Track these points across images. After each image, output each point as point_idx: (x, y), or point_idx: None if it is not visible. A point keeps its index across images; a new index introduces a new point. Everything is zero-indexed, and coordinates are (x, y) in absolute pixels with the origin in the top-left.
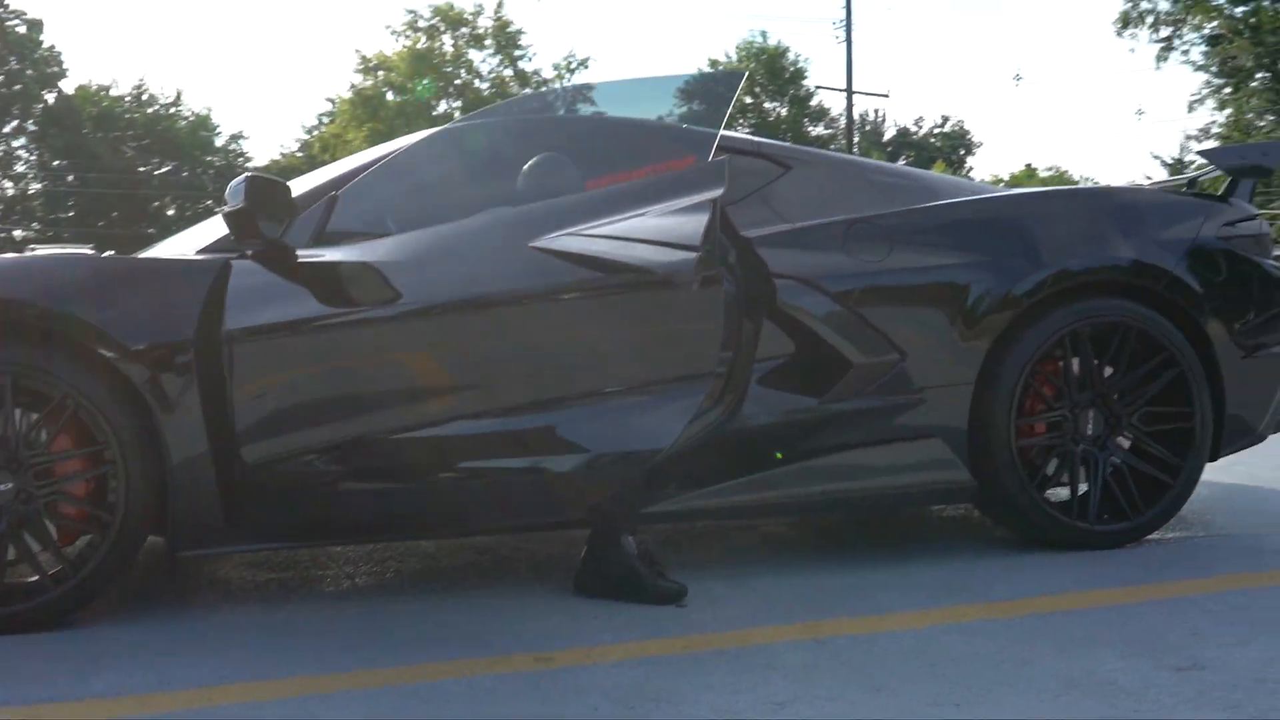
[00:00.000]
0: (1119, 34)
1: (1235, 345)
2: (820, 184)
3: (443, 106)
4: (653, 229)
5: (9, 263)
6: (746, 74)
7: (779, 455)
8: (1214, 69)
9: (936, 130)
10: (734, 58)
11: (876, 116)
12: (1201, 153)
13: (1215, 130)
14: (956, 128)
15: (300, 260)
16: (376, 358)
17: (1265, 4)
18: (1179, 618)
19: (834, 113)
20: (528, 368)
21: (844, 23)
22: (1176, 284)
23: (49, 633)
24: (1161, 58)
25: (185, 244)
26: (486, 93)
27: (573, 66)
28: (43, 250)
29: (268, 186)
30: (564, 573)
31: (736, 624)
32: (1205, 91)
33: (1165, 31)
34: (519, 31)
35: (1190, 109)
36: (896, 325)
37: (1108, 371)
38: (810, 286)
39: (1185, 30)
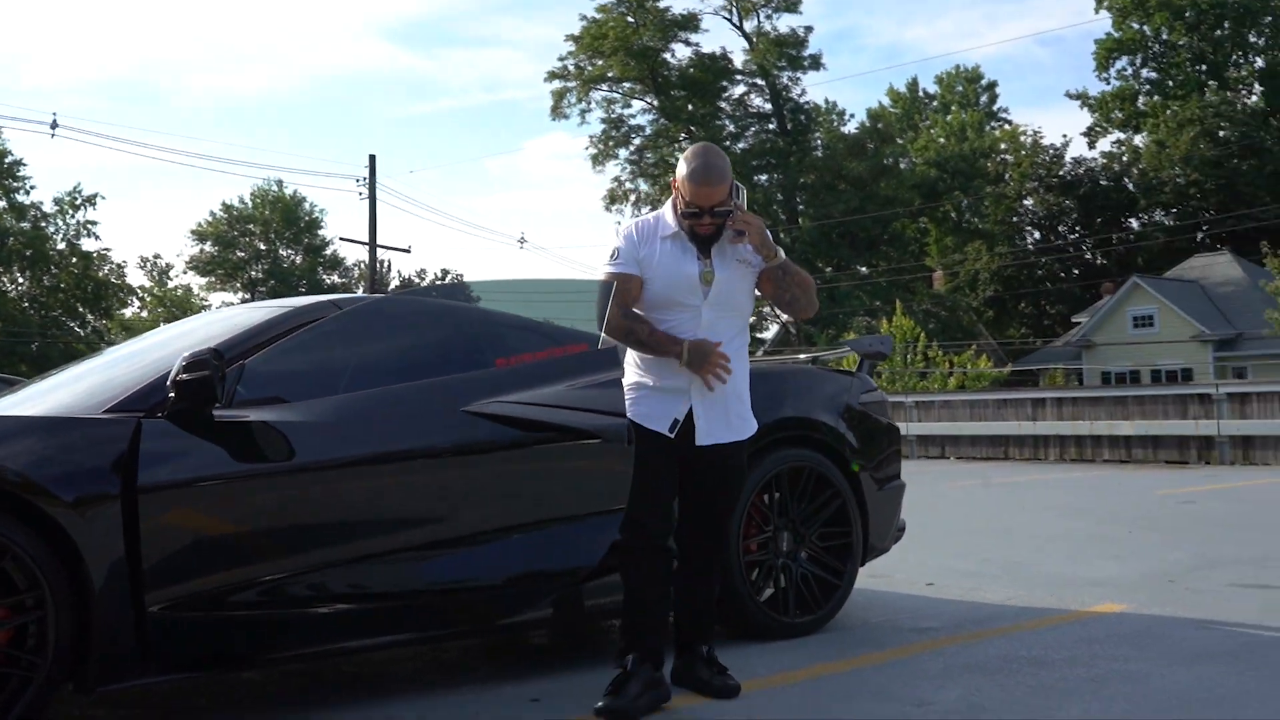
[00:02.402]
0: (607, 209)
1: (872, 480)
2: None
3: None
4: (583, 399)
5: None
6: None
7: None
8: None
9: (438, 282)
10: (249, 203)
11: (382, 268)
12: (844, 342)
13: None
14: (456, 280)
15: (219, 420)
16: (312, 504)
17: None
18: (863, 680)
19: (348, 262)
20: (468, 505)
21: (367, 180)
22: (837, 436)
23: None
24: None
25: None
26: None
27: (78, 201)
28: None
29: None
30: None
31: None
32: None
33: (645, 209)
34: (19, 162)
35: None
36: None
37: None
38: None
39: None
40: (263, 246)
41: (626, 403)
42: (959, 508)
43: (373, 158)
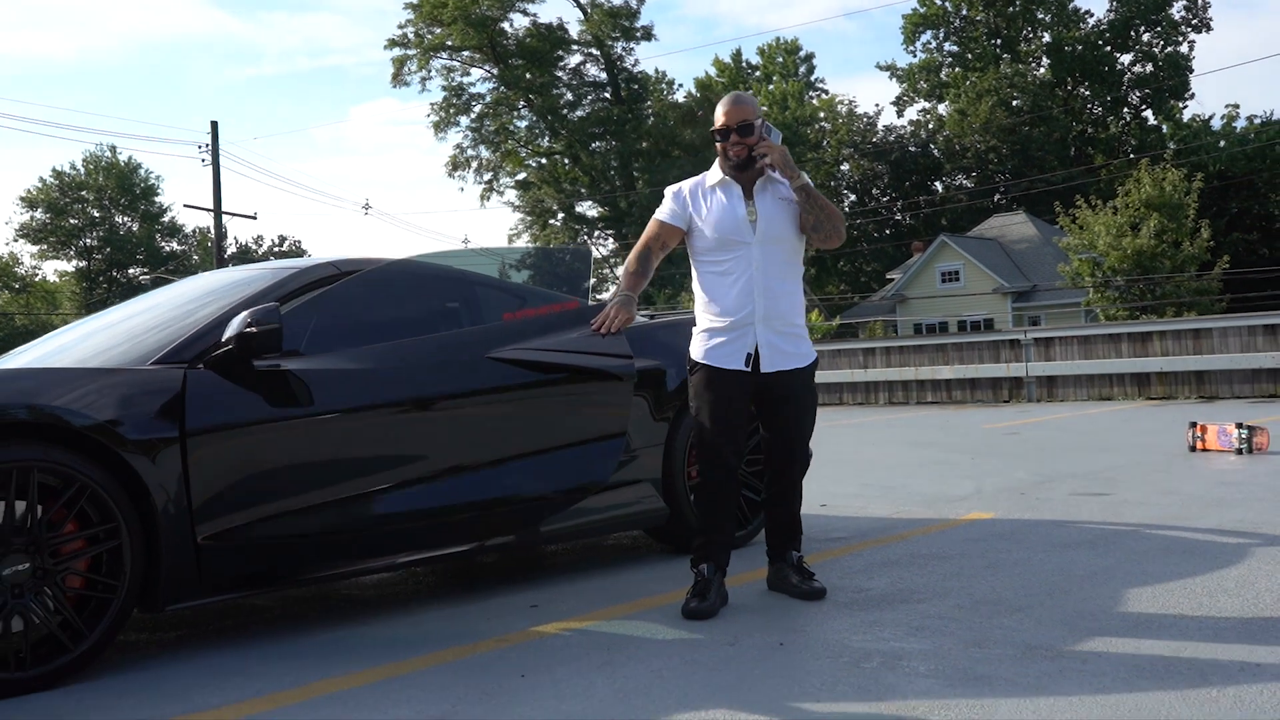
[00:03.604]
0: (450, 175)
1: None
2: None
3: None
4: (592, 344)
5: (31, 375)
6: (592, 251)
7: None
8: (526, 209)
9: (275, 249)
10: (80, 170)
11: (217, 234)
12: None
13: (530, 260)
14: (294, 247)
15: (257, 369)
16: (361, 440)
17: (558, 159)
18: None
19: (188, 229)
20: (494, 435)
21: (210, 147)
22: None
23: (71, 685)
24: (485, 197)
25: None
26: None
27: None
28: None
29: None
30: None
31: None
32: (521, 227)
33: (487, 176)
34: None
35: (510, 241)
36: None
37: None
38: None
39: (502, 175)
40: (97, 214)
41: (699, 347)
42: (820, 446)
43: (215, 124)
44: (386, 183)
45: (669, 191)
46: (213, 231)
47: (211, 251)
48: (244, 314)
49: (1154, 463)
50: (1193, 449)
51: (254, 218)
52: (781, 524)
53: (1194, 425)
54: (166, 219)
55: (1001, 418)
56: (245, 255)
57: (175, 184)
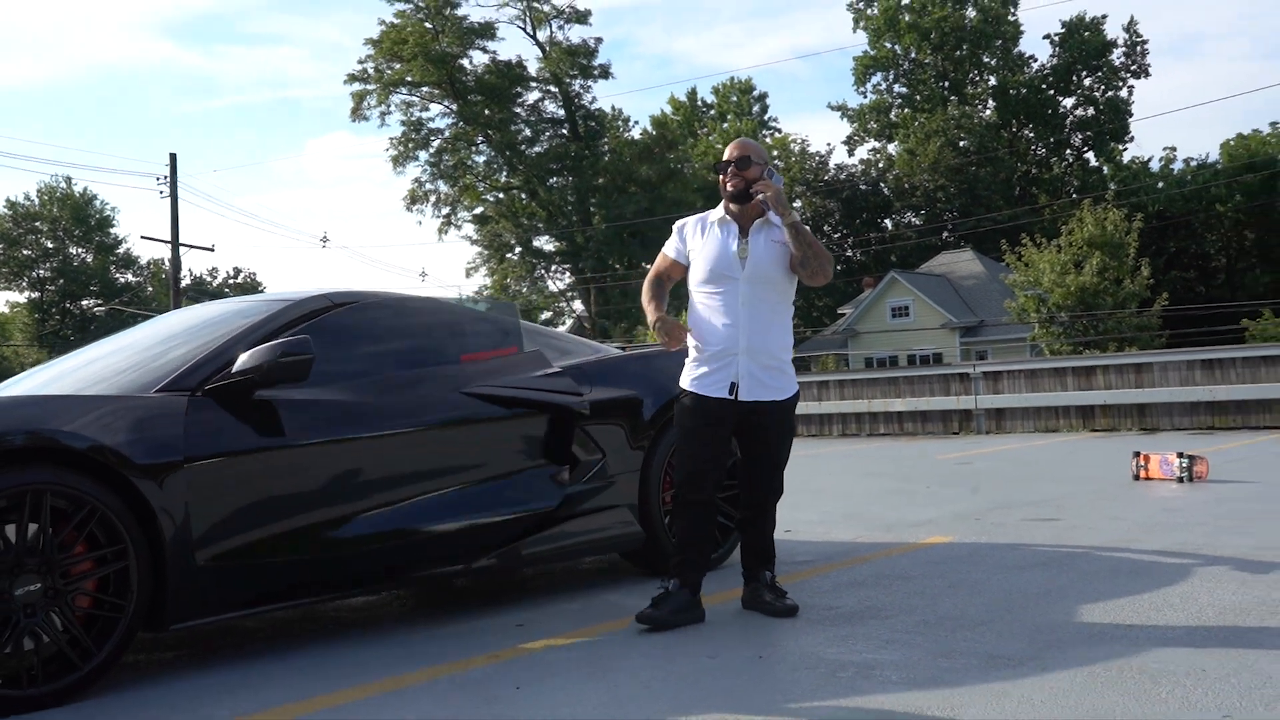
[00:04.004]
0: (408, 209)
1: None
2: (542, 343)
3: None
4: (545, 384)
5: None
6: (518, 305)
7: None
8: (483, 243)
9: (230, 281)
10: (35, 200)
11: (171, 267)
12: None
13: (487, 292)
14: (249, 279)
15: (255, 399)
16: (327, 466)
17: (516, 194)
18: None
19: (143, 260)
20: (466, 460)
21: (168, 179)
22: None
23: (80, 702)
24: (443, 231)
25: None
26: None
27: None
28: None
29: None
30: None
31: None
32: (479, 261)
33: (445, 210)
34: None
35: (468, 274)
36: (602, 434)
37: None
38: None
39: (460, 209)
40: (50, 245)
41: (687, 376)
42: None
43: (174, 156)
44: (344, 215)
45: (676, 227)
46: (169, 264)
47: (167, 283)
48: (276, 344)
49: (1100, 491)
50: (1136, 477)
51: (211, 250)
52: (755, 547)
53: (1138, 455)
54: (121, 250)
55: (953, 449)
56: (200, 287)
57: (130, 215)
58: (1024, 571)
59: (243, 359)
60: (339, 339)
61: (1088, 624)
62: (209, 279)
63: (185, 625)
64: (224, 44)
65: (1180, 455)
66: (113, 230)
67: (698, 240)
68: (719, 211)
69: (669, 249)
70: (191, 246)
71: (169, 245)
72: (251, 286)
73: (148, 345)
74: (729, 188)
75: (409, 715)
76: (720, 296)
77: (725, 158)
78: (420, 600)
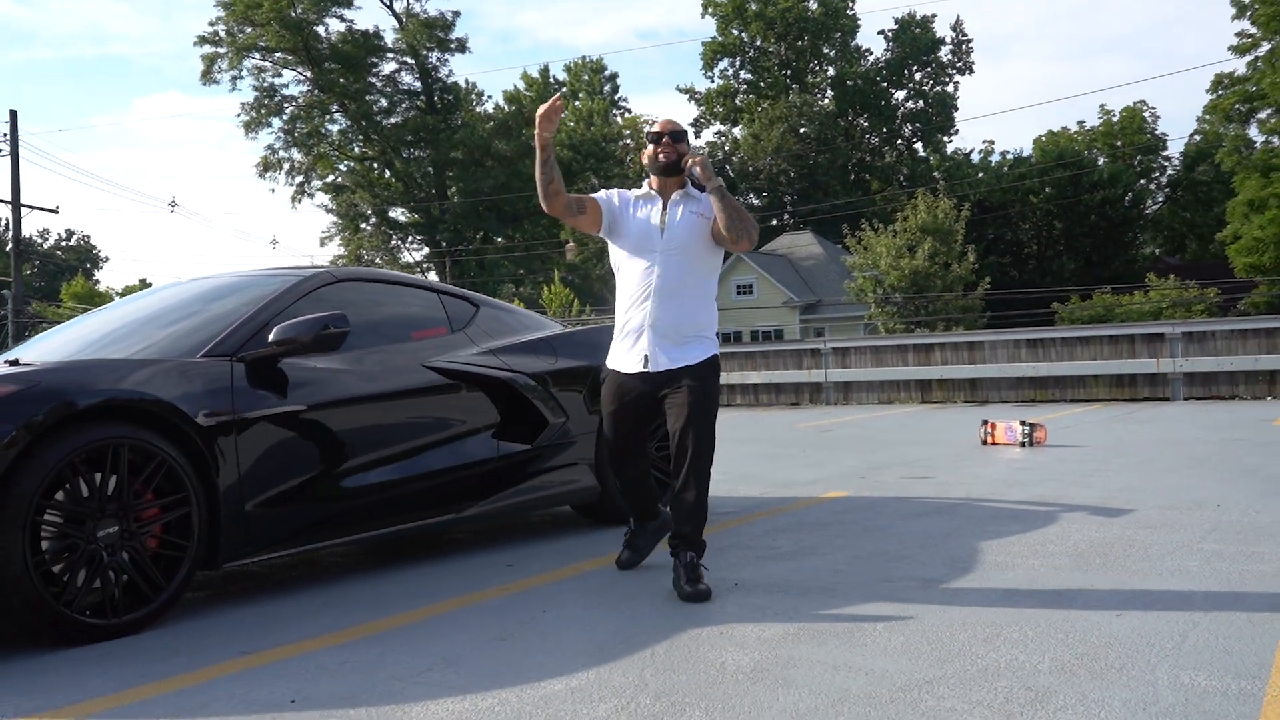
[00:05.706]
0: (260, 176)
1: None
2: (496, 315)
3: None
4: (495, 361)
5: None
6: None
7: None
8: (339, 213)
9: (63, 244)
10: None
11: (15, 228)
12: None
13: (341, 262)
14: (82, 242)
15: (284, 365)
16: (344, 425)
17: (371, 165)
18: (718, 540)
19: None
20: (435, 421)
21: (8, 137)
22: None
23: (151, 629)
24: (296, 200)
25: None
26: None
27: None
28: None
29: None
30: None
31: (449, 594)
32: (334, 230)
33: (299, 179)
34: None
35: (322, 244)
36: (566, 399)
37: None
38: (527, 375)
39: (314, 179)
40: None
41: (609, 353)
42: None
43: (14, 113)
44: (178, 178)
45: (607, 192)
46: (9, 226)
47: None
48: (318, 317)
49: (958, 453)
50: (984, 443)
51: (55, 211)
52: (685, 511)
53: (985, 423)
54: None
55: (809, 418)
56: (30, 248)
57: None
58: (921, 518)
59: (282, 329)
60: (344, 310)
61: (992, 557)
62: (40, 240)
63: (235, 564)
64: None
65: (1023, 423)
66: None
67: (628, 218)
68: (643, 189)
69: (599, 194)
70: (34, 208)
71: (9, 206)
72: (85, 250)
73: (178, 312)
74: (661, 158)
75: (462, 637)
76: (637, 271)
77: (658, 130)
78: (418, 545)
